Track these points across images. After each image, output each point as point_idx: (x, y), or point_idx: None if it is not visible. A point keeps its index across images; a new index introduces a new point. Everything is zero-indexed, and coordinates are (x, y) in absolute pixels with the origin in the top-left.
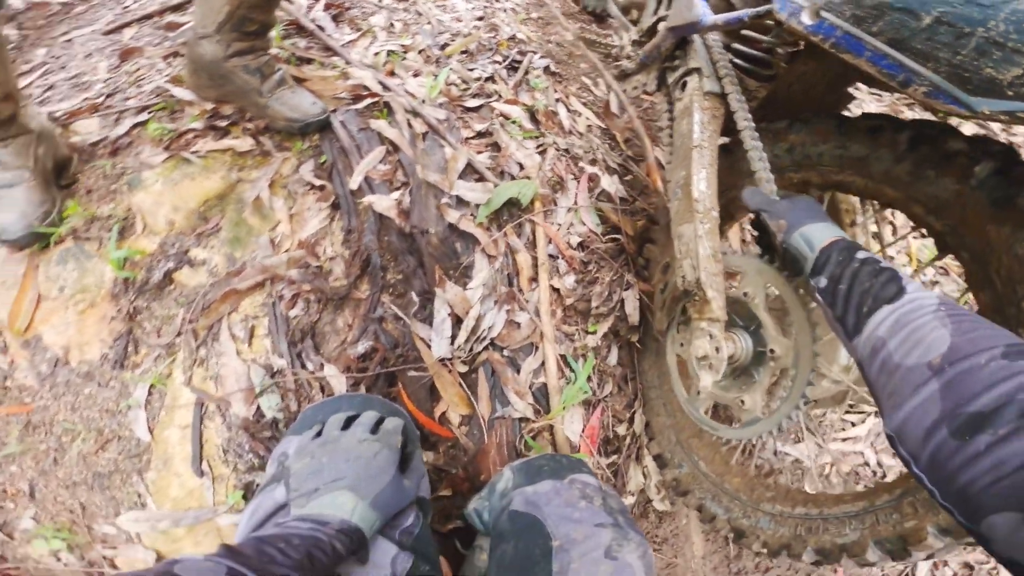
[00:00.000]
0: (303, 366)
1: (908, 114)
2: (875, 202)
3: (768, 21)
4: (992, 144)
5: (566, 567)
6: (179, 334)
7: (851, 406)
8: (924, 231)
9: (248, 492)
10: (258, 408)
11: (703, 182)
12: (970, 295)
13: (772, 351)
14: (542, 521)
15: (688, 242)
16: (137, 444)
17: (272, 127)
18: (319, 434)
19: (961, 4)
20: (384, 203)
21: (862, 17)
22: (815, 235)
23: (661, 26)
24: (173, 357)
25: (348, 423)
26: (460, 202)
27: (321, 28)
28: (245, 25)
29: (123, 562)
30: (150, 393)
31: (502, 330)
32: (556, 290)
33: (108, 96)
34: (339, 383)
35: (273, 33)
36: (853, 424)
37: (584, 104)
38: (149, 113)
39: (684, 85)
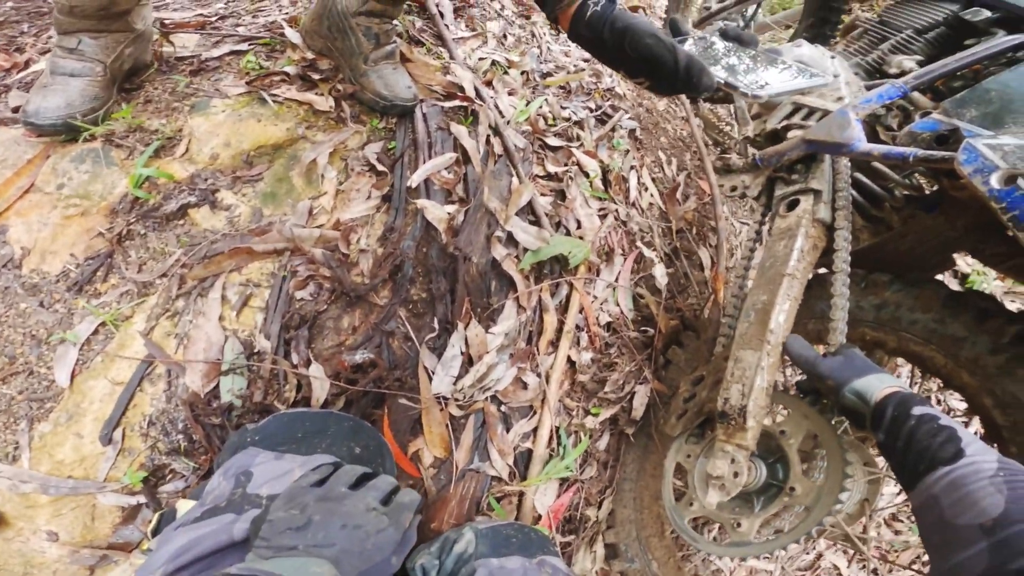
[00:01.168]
0: (287, 356)
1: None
2: (937, 378)
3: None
4: None
5: None
6: (164, 275)
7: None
8: (979, 417)
9: (155, 478)
10: (216, 387)
11: (783, 314)
12: None
13: (792, 489)
14: None
15: (746, 369)
16: (48, 387)
17: (359, 97)
18: (321, 482)
19: None
20: (436, 212)
21: None
22: (868, 389)
23: (793, 134)
24: (144, 299)
25: (360, 481)
26: (510, 240)
27: (441, 15)
28: None
29: None
30: (96, 332)
31: (508, 385)
32: (572, 362)
33: (221, 18)
34: (321, 387)
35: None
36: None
37: (653, 180)
38: (250, 45)
39: (792, 204)
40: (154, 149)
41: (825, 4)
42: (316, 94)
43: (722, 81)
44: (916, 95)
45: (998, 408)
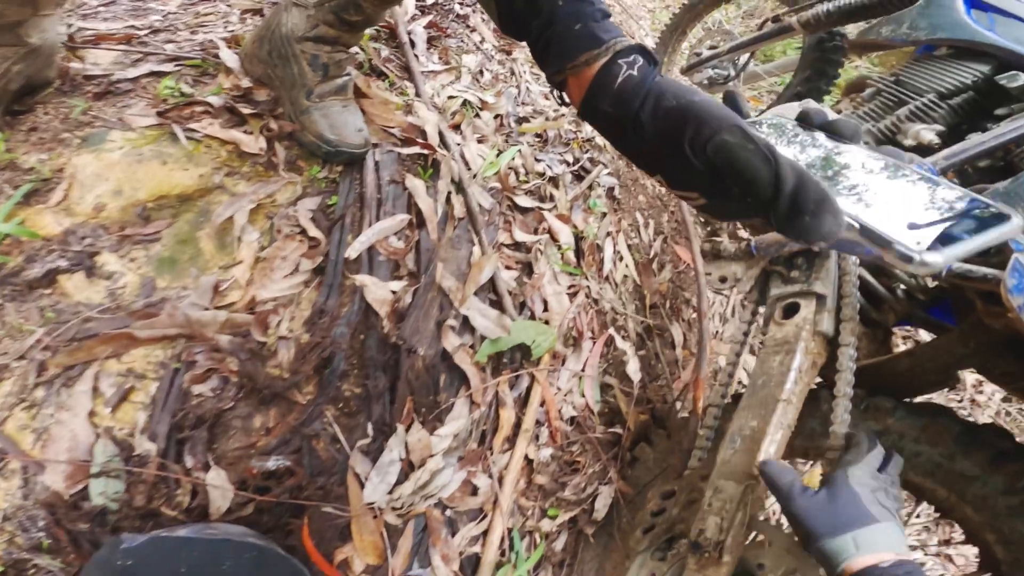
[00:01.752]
0: (179, 459)
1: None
2: (934, 507)
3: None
4: None
5: None
6: (21, 357)
7: None
8: (978, 549)
9: (16, 571)
10: (85, 488)
11: (774, 445)
12: None
13: None
14: None
15: (727, 501)
16: None
17: (298, 138)
18: None
19: None
20: (378, 292)
21: None
22: (838, 553)
23: None
24: None
25: None
26: (465, 326)
27: (412, 44)
28: (349, 11)
29: None
30: None
31: (455, 491)
32: (529, 460)
33: (154, 32)
34: (222, 497)
35: (366, 32)
36: None
37: (629, 247)
38: (176, 66)
39: (790, 309)
40: (22, 194)
41: (823, 56)
42: (244, 132)
43: (857, 226)
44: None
45: (1001, 544)
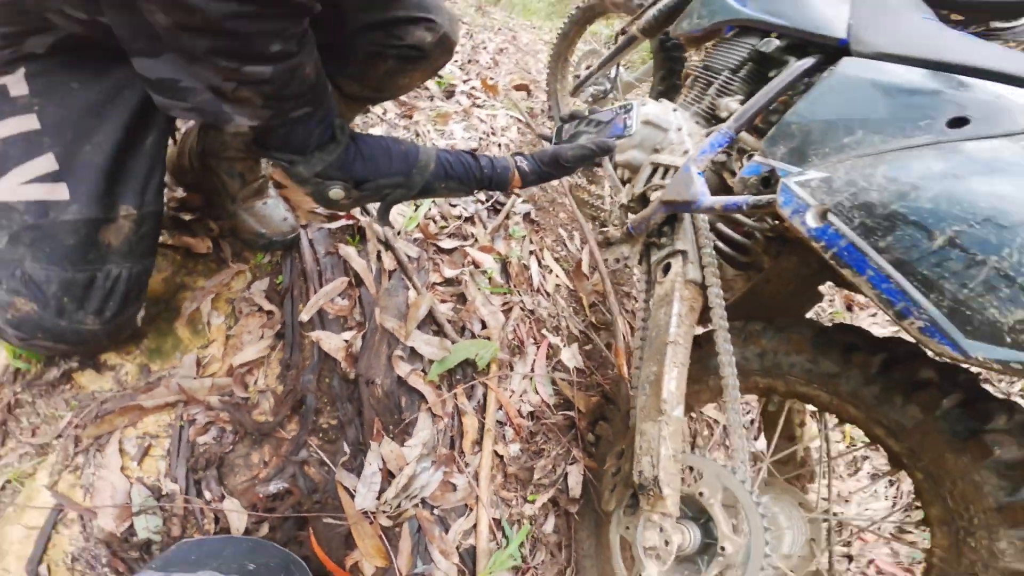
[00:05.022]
0: (199, 495)
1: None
2: (832, 414)
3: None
4: (960, 374)
5: None
6: (59, 436)
7: None
8: (881, 448)
9: None
10: (131, 526)
11: (673, 382)
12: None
13: (723, 548)
14: None
15: (651, 440)
16: None
17: (237, 234)
18: None
19: (979, 223)
20: (332, 343)
21: (871, 228)
22: None
23: (654, 196)
24: (43, 458)
25: None
26: (414, 354)
27: None
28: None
29: None
30: (2, 488)
31: (436, 490)
32: (500, 456)
33: None
34: (239, 519)
35: None
36: None
37: (556, 259)
38: None
39: (667, 268)
40: None
41: (668, 55)
42: (191, 236)
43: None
44: (744, 136)
45: (891, 437)
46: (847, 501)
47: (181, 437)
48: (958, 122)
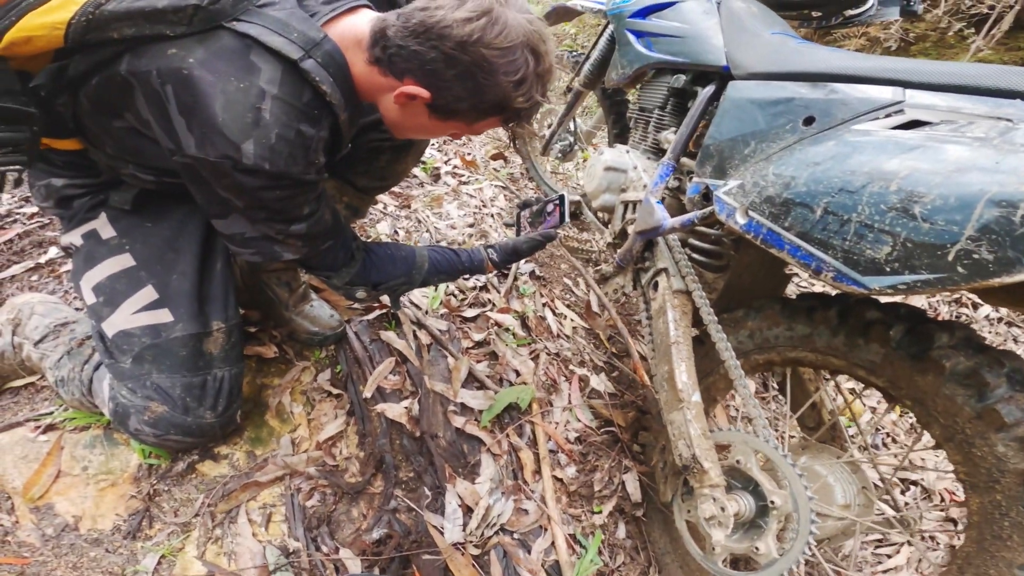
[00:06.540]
0: (318, 549)
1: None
2: (823, 370)
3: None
4: (900, 307)
5: None
6: (197, 515)
7: (879, 542)
8: (872, 389)
9: None
10: None
11: (684, 374)
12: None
13: (773, 502)
14: None
15: (680, 426)
16: None
17: (294, 337)
18: None
19: (836, 193)
20: (395, 411)
21: (776, 214)
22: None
23: (630, 229)
24: (188, 534)
25: None
26: (465, 408)
27: None
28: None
29: None
30: (159, 563)
31: (511, 516)
32: (559, 479)
33: None
34: (354, 565)
35: None
36: (889, 556)
37: (568, 306)
38: None
39: (656, 285)
40: None
41: (612, 101)
42: (259, 345)
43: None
44: (686, 160)
45: (872, 375)
46: (886, 447)
47: (293, 503)
48: (809, 120)
